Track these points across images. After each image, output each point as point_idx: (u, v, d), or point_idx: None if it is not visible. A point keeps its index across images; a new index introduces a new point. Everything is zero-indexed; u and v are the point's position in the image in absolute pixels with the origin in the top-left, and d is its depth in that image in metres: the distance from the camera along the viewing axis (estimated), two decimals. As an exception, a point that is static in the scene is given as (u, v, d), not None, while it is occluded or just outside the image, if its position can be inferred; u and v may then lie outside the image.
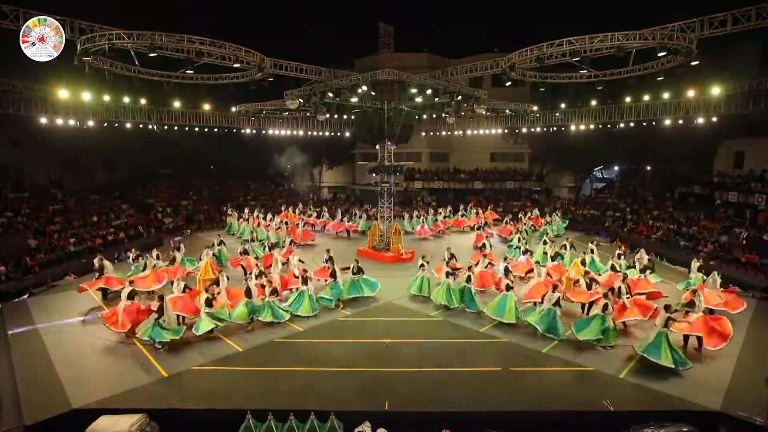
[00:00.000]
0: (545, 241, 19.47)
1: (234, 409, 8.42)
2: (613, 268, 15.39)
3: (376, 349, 11.30)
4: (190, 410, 8.72)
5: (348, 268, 14.82)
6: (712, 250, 20.25)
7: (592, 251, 17.52)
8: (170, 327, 11.23)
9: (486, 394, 9.25)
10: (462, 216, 28.34)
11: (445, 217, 27.51)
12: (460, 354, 11.10)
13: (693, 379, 9.67)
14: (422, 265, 15.04)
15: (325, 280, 14.58)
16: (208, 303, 11.83)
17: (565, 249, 18.21)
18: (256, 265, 16.33)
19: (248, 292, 12.64)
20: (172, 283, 13.59)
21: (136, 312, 11.87)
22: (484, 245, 19.58)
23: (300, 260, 16.03)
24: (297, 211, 28.23)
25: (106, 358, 10.85)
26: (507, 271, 14.95)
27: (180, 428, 8.49)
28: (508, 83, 18.15)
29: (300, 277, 13.83)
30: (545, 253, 17.85)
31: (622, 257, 16.26)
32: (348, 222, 26.39)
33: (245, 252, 17.98)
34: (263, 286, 13.24)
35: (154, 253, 16.64)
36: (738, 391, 9.07)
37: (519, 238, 20.88)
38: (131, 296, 12.09)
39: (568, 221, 27.45)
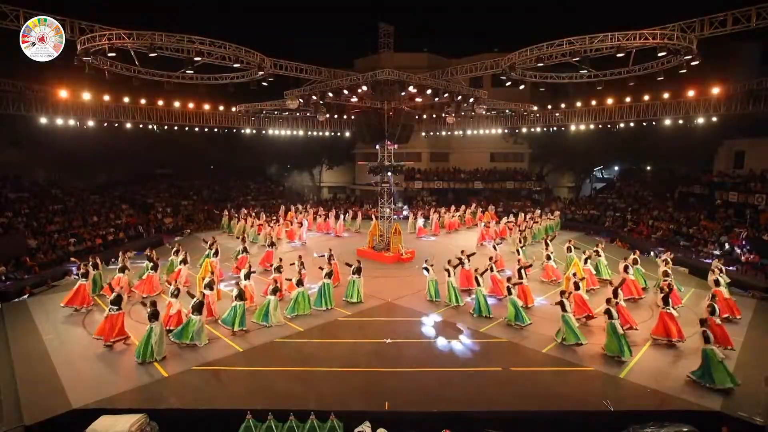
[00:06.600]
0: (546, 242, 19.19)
1: (234, 409, 8.41)
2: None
3: (376, 349, 11.29)
4: (190, 410, 8.71)
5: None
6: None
7: (597, 253, 16.73)
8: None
9: (486, 394, 9.24)
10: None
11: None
12: (460, 354, 11.11)
13: (693, 379, 9.66)
14: (426, 269, 14.81)
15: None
16: (198, 309, 11.27)
17: (570, 251, 17.11)
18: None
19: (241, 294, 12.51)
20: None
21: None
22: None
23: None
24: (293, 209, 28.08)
25: (106, 358, 10.82)
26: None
27: (180, 428, 8.48)
28: (508, 83, 18.14)
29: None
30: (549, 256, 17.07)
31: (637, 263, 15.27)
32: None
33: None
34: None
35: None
36: (738, 391, 9.05)
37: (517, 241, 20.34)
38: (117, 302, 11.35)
39: (558, 224, 26.56)
